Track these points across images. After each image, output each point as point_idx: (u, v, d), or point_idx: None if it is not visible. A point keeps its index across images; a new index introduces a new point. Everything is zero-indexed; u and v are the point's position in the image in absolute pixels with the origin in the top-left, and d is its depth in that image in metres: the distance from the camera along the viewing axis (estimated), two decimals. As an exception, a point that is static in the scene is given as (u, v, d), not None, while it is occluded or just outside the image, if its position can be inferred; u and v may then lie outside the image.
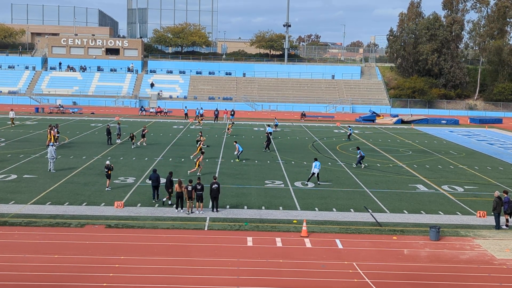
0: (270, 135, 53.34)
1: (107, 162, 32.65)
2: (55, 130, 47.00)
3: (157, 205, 29.01)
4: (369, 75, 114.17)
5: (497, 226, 26.69)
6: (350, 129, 59.92)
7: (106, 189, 32.05)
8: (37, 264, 20.33)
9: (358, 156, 42.25)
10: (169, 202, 29.06)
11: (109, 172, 32.09)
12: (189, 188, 27.38)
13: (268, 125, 61.54)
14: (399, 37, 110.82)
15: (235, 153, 44.03)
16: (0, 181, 33.56)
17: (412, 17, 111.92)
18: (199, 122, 68.77)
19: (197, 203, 27.72)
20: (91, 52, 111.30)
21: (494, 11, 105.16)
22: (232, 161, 42.64)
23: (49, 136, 46.09)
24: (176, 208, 27.97)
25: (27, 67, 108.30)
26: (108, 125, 52.09)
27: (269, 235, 24.52)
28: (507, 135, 69.53)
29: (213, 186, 27.77)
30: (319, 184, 35.19)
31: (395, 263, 21.73)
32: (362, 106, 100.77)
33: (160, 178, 30.18)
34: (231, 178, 36.46)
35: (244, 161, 42.97)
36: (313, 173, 35.24)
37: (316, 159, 36.11)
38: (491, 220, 27.57)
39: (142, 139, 50.07)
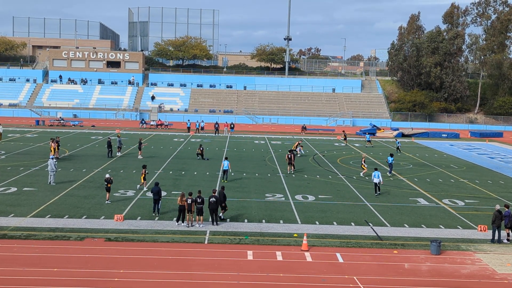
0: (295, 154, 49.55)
1: (107, 175, 32.59)
2: (56, 142, 46.87)
3: (157, 218, 28.91)
4: (370, 89, 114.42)
5: (493, 239, 26.62)
6: (398, 142, 61.69)
7: (106, 202, 31.98)
8: (36, 278, 20.22)
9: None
10: (222, 217, 28.76)
11: (109, 185, 32.05)
12: (189, 201, 27.29)
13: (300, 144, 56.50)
14: (400, 50, 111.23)
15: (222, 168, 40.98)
16: (0, 194, 33.50)
17: (412, 30, 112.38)
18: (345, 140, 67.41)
19: (197, 216, 27.65)
20: (92, 65, 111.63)
21: (496, 25, 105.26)
22: (233, 174, 42.55)
23: (52, 148, 45.96)
24: (177, 221, 27.88)
25: (28, 80, 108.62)
26: (109, 137, 52.09)
27: (270, 249, 24.42)
28: (507, 149, 69.50)
29: (211, 200, 27.69)
30: (378, 194, 36.47)
31: (396, 277, 21.62)
32: (362, 119, 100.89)
33: (162, 192, 30.17)
34: (231, 191, 36.33)
35: (244, 174, 42.91)
36: (375, 183, 36.43)
37: (376, 169, 37.22)
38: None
39: (140, 152, 50.25)
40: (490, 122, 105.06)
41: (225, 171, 40.41)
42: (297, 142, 55.24)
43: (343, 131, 72.30)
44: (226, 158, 41.93)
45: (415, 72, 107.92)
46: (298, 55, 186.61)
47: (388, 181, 41.70)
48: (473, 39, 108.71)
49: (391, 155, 45.99)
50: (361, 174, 43.48)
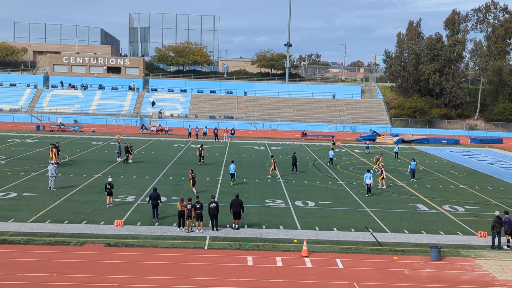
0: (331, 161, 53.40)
1: (109, 179, 32.71)
2: (55, 148, 46.81)
3: (157, 223, 28.91)
4: (370, 95, 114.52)
5: (493, 246, 26.59)
6: (396, 148, 63.13)
7: (108, 206, 32.01)
8: (36, 283, 20.20)
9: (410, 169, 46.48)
10: (237, 227, 28.64)
11: (111, 189, 32.13)
12: (189, 206, 27.29)
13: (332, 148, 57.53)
14: (399, 57, 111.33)
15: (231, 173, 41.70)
16: (0, 199, 33.50)
17: (413, 37, 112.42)
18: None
19: (197, 222, 27.64)
20: (93, 71, 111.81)
21: (499, 32, 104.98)
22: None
23: (51, 154, 45.90)
24: (178, 227, 27.87)
25: (28, 85, 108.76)
26: (126, 143, 51.76)
27: (270, 255, 24.40)
28: (507, 155, 69.49)
29: (211, 205, 27.69)
30: (369, 196, 37.80)
31: (396, 283, 21.59)
32: (362, 125, 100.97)
33: (161, 197, 30.16)
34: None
35: (245, 179, 42.94)
36: (367, 184, 37.88)
37: (368, 170, 38.58)
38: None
39: (130, 156, 50.17)
40: (490, 129, 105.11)
41: (232, 175, 40.99)
42: (379, 158, 50.18)
43: (332, 137, 76.02)
44: (232, 162, 42.55)
45: (414, 78, 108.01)
46: (299, 61, 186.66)
47: (388, 187, 41.68)
48: (476, 45, 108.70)
49: (413, 160, 47.08)
50: (380, 185, 41.98)
